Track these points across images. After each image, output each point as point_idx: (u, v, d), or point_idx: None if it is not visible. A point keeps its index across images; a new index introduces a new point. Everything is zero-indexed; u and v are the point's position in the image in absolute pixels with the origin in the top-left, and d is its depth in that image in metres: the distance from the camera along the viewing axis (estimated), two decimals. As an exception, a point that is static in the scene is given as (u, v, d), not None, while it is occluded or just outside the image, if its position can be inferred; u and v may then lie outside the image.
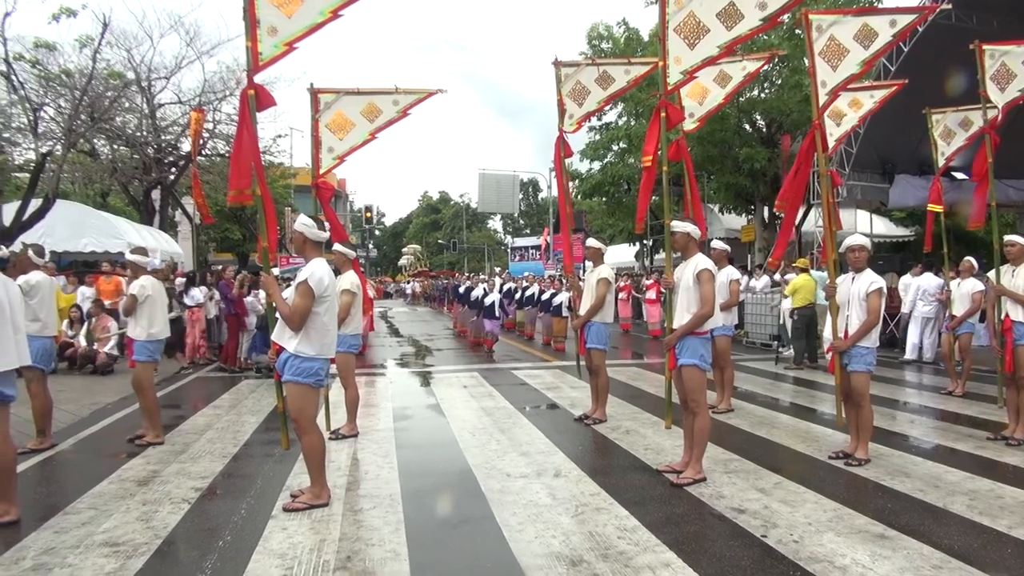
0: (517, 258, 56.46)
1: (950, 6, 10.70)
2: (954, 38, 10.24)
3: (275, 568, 3.89)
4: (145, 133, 19.54)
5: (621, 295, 21.26)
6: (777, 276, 14.45)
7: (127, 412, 8.46)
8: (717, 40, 6.08)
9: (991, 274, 7.45)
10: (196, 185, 13.86)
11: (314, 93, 7.44)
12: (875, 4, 18.66)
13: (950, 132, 9.49)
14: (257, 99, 5.32)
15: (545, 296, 16.70)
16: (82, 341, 11.71)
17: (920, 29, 15.37)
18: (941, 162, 9.60)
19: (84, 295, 13.05)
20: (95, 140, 18.91)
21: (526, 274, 23.02)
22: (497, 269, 35.59)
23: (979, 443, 6.66)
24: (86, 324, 11.90)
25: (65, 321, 11.82)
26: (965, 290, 9.09)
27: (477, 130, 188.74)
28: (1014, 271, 6.80)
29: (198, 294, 12.89)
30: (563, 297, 15.65)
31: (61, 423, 7.54)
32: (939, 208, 9.80)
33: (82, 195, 23.34)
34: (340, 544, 4.24)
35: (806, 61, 6.77)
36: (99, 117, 16.52)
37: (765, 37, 18.63)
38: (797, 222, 14.67)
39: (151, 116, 19.59)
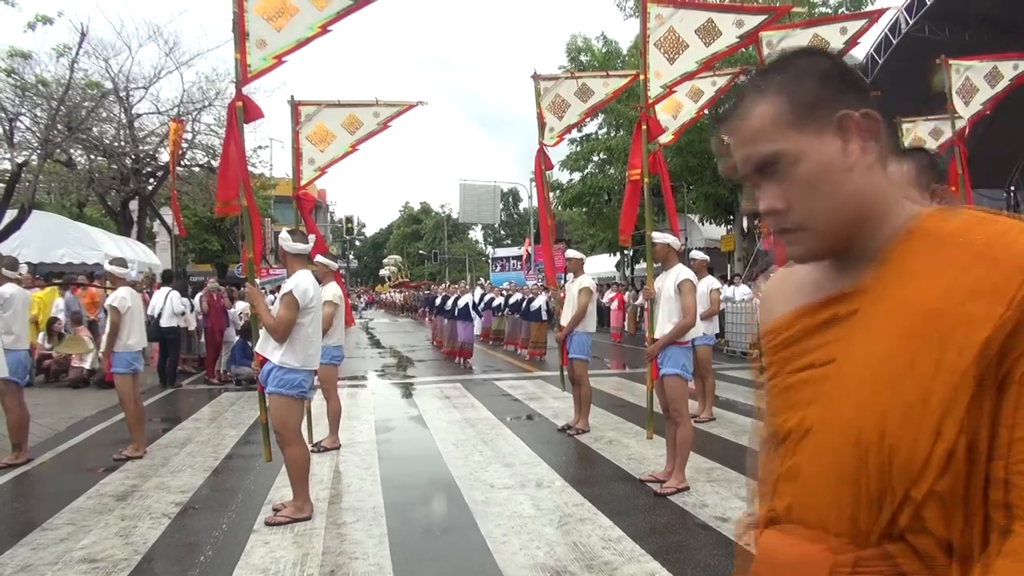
0: (498, 268, 56.33)
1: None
2: (927, 50, 10.45)
3: (258, 583, 3.86)
4: (123, 143, 19.37)
5: (613, 305, 21.36)
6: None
7: (105, 426, 8.35)
8: (696, 56, 6.15)
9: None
10: (173, 198, 13.78)
11: (295, 105, 7.43)
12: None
13: (920, 141, 9.66)
14: (245, 111, 5.31)
15: (524, 302, 16.59)
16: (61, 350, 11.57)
17: (895, 41, 15.71)
18: (909, 170, 9.75)
19: (58, 307, 12.82)
20: (72, 150, 18.71)
21: (506, 284, 23.05)
22: (481, 280, 35.54)
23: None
24: (67, 336, 11.74)
25: (41, 333, 11.66)
26: None
27: (459, 142, 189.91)
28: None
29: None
30: (541, 301, 15.66)
31: (38, 437, 7.42)
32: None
33: (58, 206, 23.05)
34: (323, 558, 4.21)
35: None
36: (76, 127, 16.35)
37: (744, 51, 18.88)
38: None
39: (129, 126, 19.42)
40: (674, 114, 8.56)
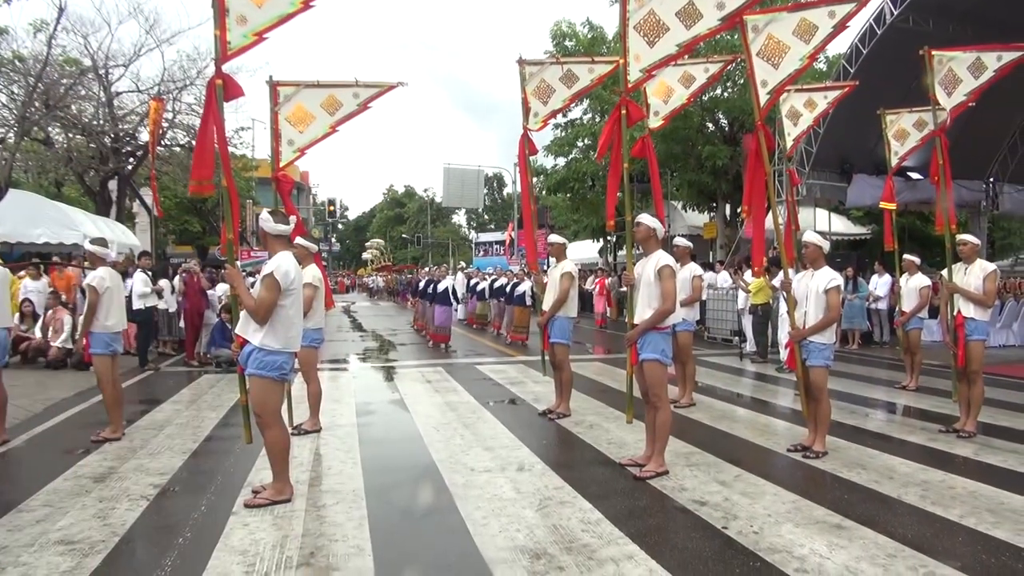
0: (481, 253, 56.40)
1: None
2: (911, 41, 10.47)
3: (236, 565, 3.85)
4: (102, 122, 19.10)
5: (595, 290, 21.40)
6: (748, 275, 14.62)
7: (82, 408, 8.28)
8: (676, 39, 6.12)
9: (944, 272, 7.65)
10: (152, 178, 13.63)
11: (273, 86, 7.32)
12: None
13: (904, 132, 9.69)
14: (225, 89, 5.23)
15: (508, 287, 16.62)
16: (37, 333, 11.43)
17: (879, 32, 15.75)
18: (894, 161, 9.82)
19: (27, 288, 12.52)
20: (49, 128, 18.42)
21: (489, 268, 23.00)
22: (463, 264, 35.48)
23: (932, 436, 6.84)
24: (41, 318, 11.61)
25: (16, 315, 11.51)
26: (912, 286, 9.34)
27: (445, 126, 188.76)
28: (966, 269, 7.00)
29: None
30: (525, 287, 15.65)
31: (14, 419, 7.34)
32: (892, 206, 10.04)
33: (35, 185, 22.73)
34: (303, 540, 4.20)
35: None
36: (54, 104, 16.12)
37: (728, 36, 18.86)
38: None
39: (108, 104, 19.14)
40: (665, 99, 8.54)
